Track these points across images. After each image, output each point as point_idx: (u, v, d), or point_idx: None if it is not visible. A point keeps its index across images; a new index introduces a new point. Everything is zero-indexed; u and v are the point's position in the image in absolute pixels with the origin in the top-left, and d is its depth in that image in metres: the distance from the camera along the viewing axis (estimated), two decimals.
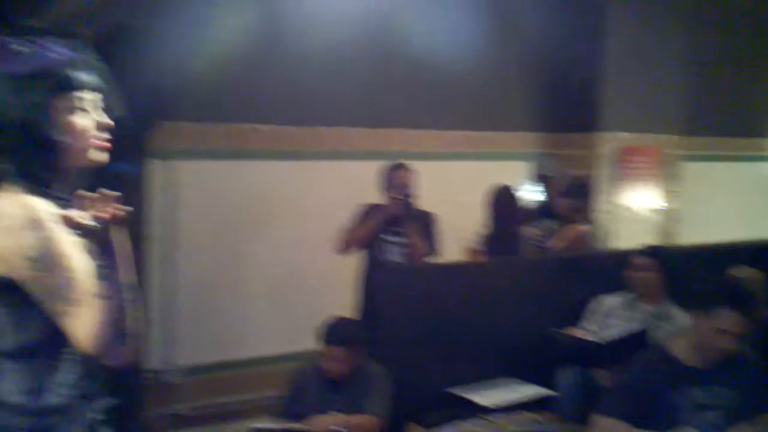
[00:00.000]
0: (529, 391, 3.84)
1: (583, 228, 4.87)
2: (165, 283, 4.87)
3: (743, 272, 3.84)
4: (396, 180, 4.62)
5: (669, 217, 6.68)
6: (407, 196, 4.49)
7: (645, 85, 6.47)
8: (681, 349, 3.03)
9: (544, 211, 5.27)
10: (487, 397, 3.72)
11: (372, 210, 4.62)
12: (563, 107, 6.44)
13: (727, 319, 2.88)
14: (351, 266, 4.68)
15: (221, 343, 5.13)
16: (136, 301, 1.62)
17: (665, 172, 6.66)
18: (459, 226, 5.06)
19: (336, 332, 3.54)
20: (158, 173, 4.71)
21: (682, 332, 3.19)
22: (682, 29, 6.58)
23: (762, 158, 7.66)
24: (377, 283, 3.87)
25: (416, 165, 4.80)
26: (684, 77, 6.66)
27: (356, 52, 5.34)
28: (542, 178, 5.52)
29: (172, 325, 4.90)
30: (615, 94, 6.31)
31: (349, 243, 4.60)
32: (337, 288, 4.79)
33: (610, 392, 3.14)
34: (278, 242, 5.24)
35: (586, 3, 6.27)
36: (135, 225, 2.36)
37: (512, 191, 4.89)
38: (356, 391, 3.50)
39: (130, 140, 3.71)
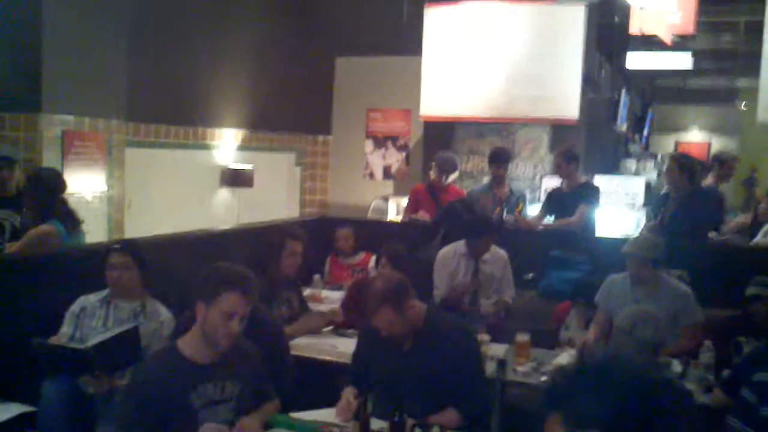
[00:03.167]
0: (6, 410, 3.38)
1: (50, 226, 4.46)
2: None
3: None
4: None
5: (115, 204, 6.58)
6: None
7: (89, 68, 6.25)
8: (189, 347, 2.99)
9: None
10: None
11: None
12: (5, 85, 5.80)
13: (230, 301, 2.91)
14: None
15: None
16: None
17: (110, 158, 6.54)
18: None
19: None
20: None
21: (191, 328, 3.12)
22: (125, 13, 6.52)
23: (202, 147, 8.07)
24: None
25: None
26: (129, 62, 6.62)
27: None
28: None
29: None
30: (57, 75, 5.95)
31: None
32: None
33: (121, 402, 2.93)
34: None
35: None
36: None
37: None
38: None
39: None
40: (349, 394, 3.39)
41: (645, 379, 1.60)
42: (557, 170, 6.53)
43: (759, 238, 6.29)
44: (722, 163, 7.20)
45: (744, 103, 16.60)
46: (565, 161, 6.29)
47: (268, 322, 3.82)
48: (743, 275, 4.53)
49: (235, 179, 8.39)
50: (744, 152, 14.18)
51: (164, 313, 4.00)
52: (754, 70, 8.02)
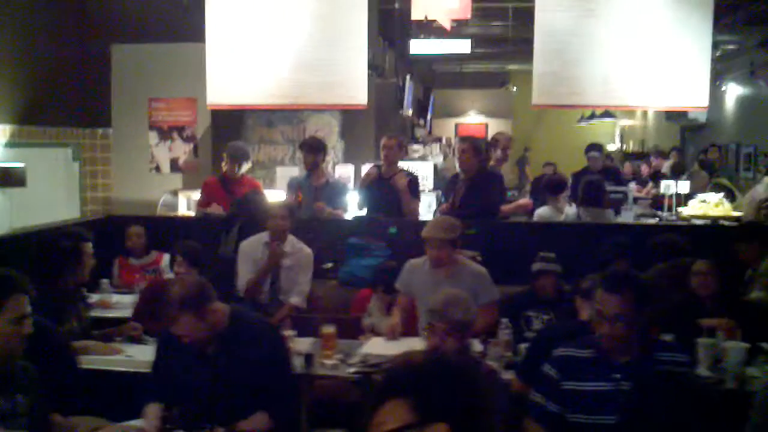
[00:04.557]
0: None
1: None
2: None
3: None
4: None
5: None
6: None
7: None
8: None
9: None
10: None
11: None
12: None
13: (17, 303, 2.80)
14: None
15: None
16: None
17: None
18: None
19: None
20: None
21: None
22: None
23: None
24: None
25: None
26: None
27: None
28: None
29: None
30: None
31: None
32: None
33: None
34: None
35: None
36: None
37: None
38: None
39: None
40: (152, 411, 3.16)
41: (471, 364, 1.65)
42: (385, 156, 6.38)
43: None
44: (500, 145, 7.57)
45: (514, 86, 17.76)
46: (398, 147, 6.38)
47: (51, 337, 3.49)
48: (530, 252, 4.79)
49: (5, 179, 7.64)
50: (517, 133, 15.10)
51: None
52: (522, 55, 8.51)
